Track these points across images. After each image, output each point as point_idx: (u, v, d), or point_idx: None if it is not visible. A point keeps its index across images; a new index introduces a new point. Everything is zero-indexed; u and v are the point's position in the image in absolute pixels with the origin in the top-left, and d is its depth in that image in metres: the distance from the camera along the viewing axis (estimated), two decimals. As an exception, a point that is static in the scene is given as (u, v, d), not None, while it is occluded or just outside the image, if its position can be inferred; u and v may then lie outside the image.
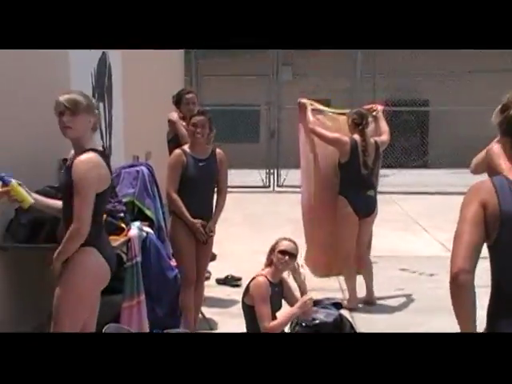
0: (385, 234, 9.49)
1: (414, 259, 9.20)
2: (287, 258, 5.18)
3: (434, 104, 20.86)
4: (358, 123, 6.81)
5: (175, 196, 5.83)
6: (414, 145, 22.88)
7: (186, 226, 5.85)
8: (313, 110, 7.32)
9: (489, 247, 2.80)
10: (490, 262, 2.84)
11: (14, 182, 4.07)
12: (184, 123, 6.81)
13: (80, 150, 4.13)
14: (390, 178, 16.11)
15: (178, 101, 7.30)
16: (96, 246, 4.18)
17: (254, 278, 5.18)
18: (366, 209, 6.91)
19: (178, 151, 5.94)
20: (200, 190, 5.88)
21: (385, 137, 7.18)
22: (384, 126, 7.28)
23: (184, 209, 5.80)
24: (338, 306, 6.25)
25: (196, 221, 5.80)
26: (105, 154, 4.35)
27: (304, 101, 7.49)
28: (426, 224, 10.95)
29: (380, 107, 7.53)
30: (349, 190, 6.85)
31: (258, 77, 18.41)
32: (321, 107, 7.59)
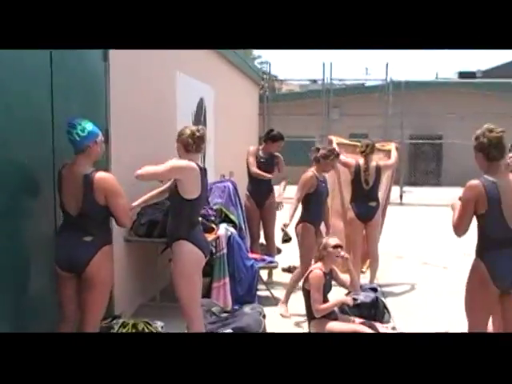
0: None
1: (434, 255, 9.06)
2: (339, 249, 5.23)
3: (446, 138, 20.62)
4: (362, 151, 6.82)
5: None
6: (431, 169, 22.85)
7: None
8: (337, 143, 7.51)
9: (479, 215, 3.71)
10: (477, 221, 3.73)
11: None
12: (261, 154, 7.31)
13: None
14: (412, 194, 15.98)
15: (271, 139, 7.38)
16: (189, 239, 4.21)
17: (311, 271, 5.21)
18: (365, 216, 6.81)
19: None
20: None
21: (390, 161, 7.23)
22: (394, 154, 7.33)
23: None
24: (374, 289, 6.21)
25: None
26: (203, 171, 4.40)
27: (331, 137, 7.88)
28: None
29: (394, 144, 7.69)
30: (355, 201, 6.88)
31: (314, 116, 18.42)
32: (343, 140, 8.08)
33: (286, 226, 5.89)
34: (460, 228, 3.75)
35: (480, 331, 3.74)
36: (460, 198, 3.83)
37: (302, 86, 30.42)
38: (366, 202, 6.83)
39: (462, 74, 28.82)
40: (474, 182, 3.72)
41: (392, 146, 7.54)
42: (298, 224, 6.05)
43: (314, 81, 21.48)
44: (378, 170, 6.86)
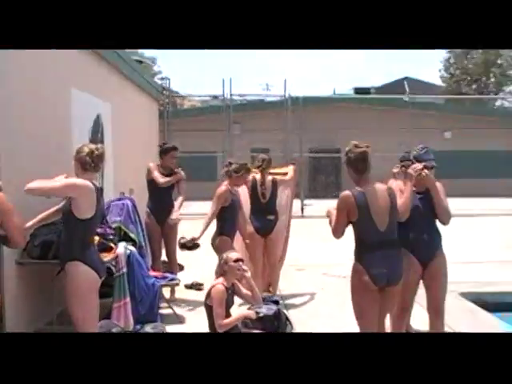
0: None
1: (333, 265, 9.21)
2: (241, 263, 5.21)
3: (344, 152, 21.19)
4: (259, 165, 6.98)
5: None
6: (330, 181, 23.42)
7: None
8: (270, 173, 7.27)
9: (353, 223, 4.16)
10: (352, 228, 4.18)
11: None
12: (161, 170, 7.12)
13: None
14: (312, 206, 16.27)
15: (163, 152, 7.28)
16: (83, 260, 4.11)
17: (213, 286, 5.16)
18: (264, 229, 6.90)
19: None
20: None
21: (286, 177, 7.35)
22: (290, 173, 7.41)
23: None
24: (276, 302, 6.25)
25: None
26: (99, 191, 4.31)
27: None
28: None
29: (293, 166, 7.62)
30: (253, 214, 6.93)
31: (216, 131, 18.44)
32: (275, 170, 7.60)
33: (193, 239, 5.93)
34: (337, 233, 4.24)
35: (370, 331, 4.14)
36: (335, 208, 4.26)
37: (203, 101, 30.48)
38: (265, 216, 6.89)
39: (357, 90, 29.95)
40: (346, 193, 4.18)
41: (290, 169, 7.59)
42: (214, 238, 6.14)
43: (215, 96, 21.53)
44: (275, 184, 6.97)
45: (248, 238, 6.96)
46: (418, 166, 4.71)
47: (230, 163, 6.33)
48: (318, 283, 8.08)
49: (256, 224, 6.87)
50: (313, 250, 10.76)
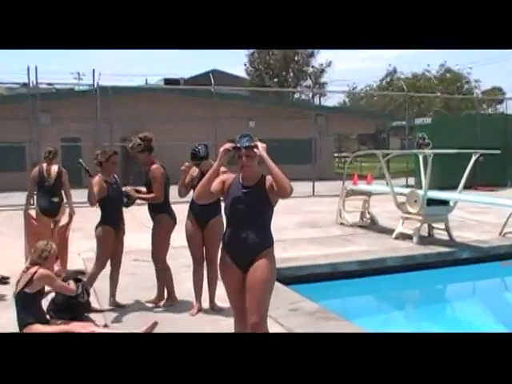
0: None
1: (143, 252, 9.10)
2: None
3: (158, 141, 21.18)
4: (46, 156, 7.73)
5: None
6: (143, 171, 23.23)
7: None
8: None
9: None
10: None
11: None
12: None
13: None
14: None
15: None
16: None
17: (36, 272, 4.92)
18: (50, 210, 7.62)
19: None
20: None
21: None
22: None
23: None
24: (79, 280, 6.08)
25: None
26: None
27: None
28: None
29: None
30: (39, 197, 7.72)
31: (24, 120, 17.41)
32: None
33: None
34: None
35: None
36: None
37: (10, 89, 28.57)
38: (49, 198, 7.59)
39: (166, 81, 30.04)
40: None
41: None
42: (97, 227, 6.12)
43: (25, 84, 20.31)
44: (60, 173, 7.68)
45: (36, 220, 7.58)
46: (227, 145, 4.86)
47: (98, 154, 6.25)
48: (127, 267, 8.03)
49: (42, 205, 7.58)
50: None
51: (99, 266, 6.12)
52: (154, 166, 6.14)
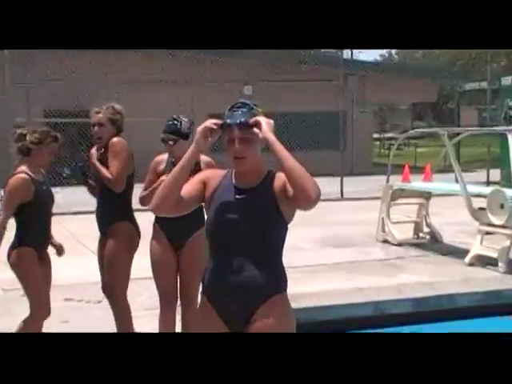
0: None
1: (80, 286, 8.99)
2: None
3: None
4: None
5: None
6: (82, 159, 22.93)
7: None
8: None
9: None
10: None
11: None
12: None
13: None
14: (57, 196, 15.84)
15: None
16: None
17: None
18: None
19: None
20: None
21: None
22: None
23: None
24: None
25: None
26: None
27: None
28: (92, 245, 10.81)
29: None
30: None
31: None
32: None
33: None
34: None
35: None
36: None
37: None
38: None
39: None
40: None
41: None
42: (10, 252, 5.83)
43: None
44: None
45: None
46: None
47: (22, 134, 5.89)
48: (58, 313, 7.84)
49: None
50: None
51: (38, 311, 5.92)
52: (115, 139, 6.11)
